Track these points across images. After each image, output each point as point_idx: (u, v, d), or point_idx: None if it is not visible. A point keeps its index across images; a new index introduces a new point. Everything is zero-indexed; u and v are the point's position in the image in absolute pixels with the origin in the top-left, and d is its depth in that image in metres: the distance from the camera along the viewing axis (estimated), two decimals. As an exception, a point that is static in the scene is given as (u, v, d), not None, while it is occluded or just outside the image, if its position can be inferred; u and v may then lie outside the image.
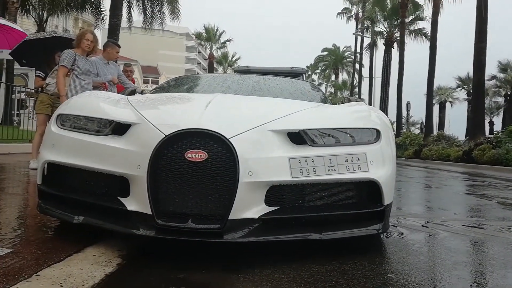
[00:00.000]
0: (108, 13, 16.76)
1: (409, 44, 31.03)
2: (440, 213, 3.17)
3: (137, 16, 20.41)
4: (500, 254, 1.96)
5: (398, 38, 27.56)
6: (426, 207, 3.74)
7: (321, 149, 1.76)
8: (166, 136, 1.61)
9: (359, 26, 36.14)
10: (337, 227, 1.75)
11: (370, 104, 28.12)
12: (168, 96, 2.62)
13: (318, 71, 51.62)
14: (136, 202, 1.65)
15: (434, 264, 1.76)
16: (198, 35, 41.55)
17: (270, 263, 1.63)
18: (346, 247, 1.89)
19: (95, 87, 4.75)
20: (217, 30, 40.88)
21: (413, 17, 28.11)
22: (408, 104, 27.59)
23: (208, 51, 42.50)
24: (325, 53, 48.45)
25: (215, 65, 42.82)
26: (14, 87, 11.60)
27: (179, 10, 19.83)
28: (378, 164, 1.82)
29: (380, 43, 31.31)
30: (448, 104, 42.27)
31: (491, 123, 40.21)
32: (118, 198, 1.71)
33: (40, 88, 5.47)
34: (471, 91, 21.99)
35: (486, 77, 17.86)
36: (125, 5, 18.21)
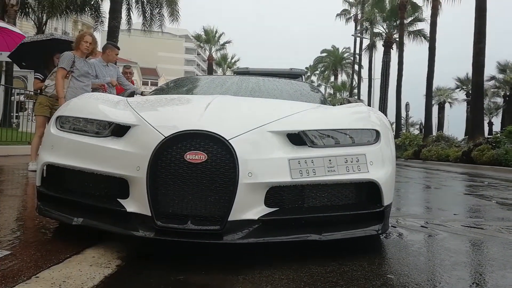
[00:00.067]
0: (107, 16, 16.80)
1: (408, 45, 31.04)
2: (440, 214, 3.17)
3: (137, 18, 20.47)
4: (499, 254, 1.96)
5: (397, 39, 27.64)
6: (425, 207, 3.74)
7: (321, 150, 1.76)
8: (165, 137, 1.61)
9: (358, 28, 36.19)
10: (337, 228, 1.75)
11: (369, 105, 28.13)
12: (167, 97, 2.62)
13: (317, 72, 51.70)
14: (136, 203, 1.65)
15: (434, 265, 1.76)
16: (197, 37, 41.61)
17: (270, 264, 1.63)
18: (345, 248, 1.88)
19: (94, 89, 4.75)
20: (216, 32, 40.96)
21: (412, 18, 28.19)
22: (407, 105, 27.65)
23: (207, 52, 42.54)
24: (324, 54, 48.53)
25: (214, 67, 42.86)
26: (13, 89, 11.59)
27: (178, 12, 19.85)
28: (378, 165, 1.82)
29: (379, 44, 31.43)
30: (447, 105, 42.35)
31: (490, 124, 40.27)
32: (118, 199, 1.71)
33: (39, 90, 5.47)
34: (470, 92, 22.06)
35: (485, 78, 17.87)
36: (124, 7, 18.24)
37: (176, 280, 1.43)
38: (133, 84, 5.99)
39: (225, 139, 1.61)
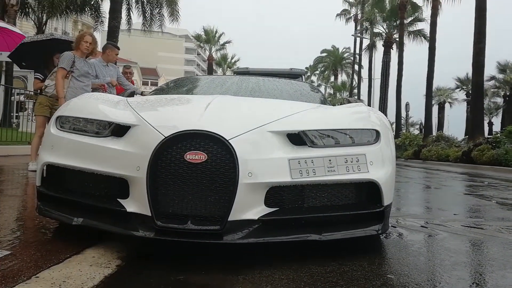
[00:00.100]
0: (107, 16, 16.79)
1: (408, 45, 31.05)
2: (440, 214, 3.17)
3: (137, 18, 20.47)
4: (499, 254, 1.96)
5: (397, 39, 27.64)
6: (425, 207, 3.74)
7: (321, 150, 1.76)
8: (165, 137, 1.61)
9: (358, 28, 36.19)
10: (337, 228, 1.75)
11: (369, 105, 28.14)
12: (167, 97, 2.62)
13: (317, 72, 51.70)
14: (136, 203, 1.65)
15: (434, 265, 1.76)
16: (197, 37, 41.61)
17: (270, 264, 1.63)
18: (345, 248, 1.88)
19: (94, 89, 4.75)
20: (216, 32, 40.96)
21: (412, 18, 28.20)
22: (407, 104, 27.65)
23: (207, 52, 42.55)
24: (324, 54, 48.53)
25: (214, 67, 42.86)
26: (13, 89, 11.59)
27: (178, 12, 19.85)
28: (378, 165, 1.82)
29: (379, 44, 31.43)
30: (447, 105, 42.35)
31: (490, 124, 40.27)
32: (118, 199, 1.71)
33: (39, 90, 5.47)
34: (470, 92, 22.07)
35: (485, 78, 17.87)
36: (124, 7, 18.24)
37: (176, 280, 1.43)
38: (133, 84, 5.99)
39: (225, 139, 1.61)
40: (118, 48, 5.37)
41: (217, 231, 1.57)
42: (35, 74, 5.72)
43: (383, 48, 29.26)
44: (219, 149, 1.59)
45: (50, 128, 2.03)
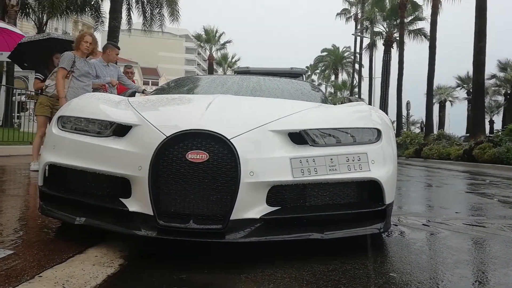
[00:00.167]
0: (107, 16, 16.79)
1: (408, 44, 31.06)
2: (441, 212, 3.17)
3: (137, 18, 20.47)
4: (501, 252, 1.96)
5: (398, 38, 27.60)
6: (427, 206, 3.74)
7: (322, 149, 1.76)
8: (167, 137, 1.61)
9: (359, 27, 36.16)
10: (339, 227, 1.75)
11: (370, 104, 28.12)
12: (168, 97, 2.62)
13: (318, 71, 51.67)
14: (138, 203, 1.65)
15: (436, 263, 1.76)
16: (198, 37, 41.60)
17: (272, 262, 1.63)
18: (348, 247, 1.89)
19: (95, 89, 4.76)
20: (216, 31, 40.95)
21: (412, 17, 28.16)
22: (408, 103, 27.61)
23: (207, 52, 42.54)
24: (324, 53, 48.49)
25: (215, 66, 42.85)
26: (15, 90, 11.60)
27: (178, 12, 19.85)
28: (379, 164, 1.82)
29: (380, 43, 31.39)
30: (448, 103, 42.29)
31: (491, 122, 40.23)
32: (120, 199, 1.71)
33: (40, 90, 5.48)
34: (471, 90, 22.00)
35: (486, 76, 17.85)
36: (124, 7, 18.25)
37: (178, 279, 1.44)
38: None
39: (227, 139, 1.61)
40: (119, 48, 5.37)
41: (219, 230, 1.57)
42: (36, 74, 5.73)
43: (383, 47, 29.24)
44: (220, 149, 1.59)
45: (52, 128, 2.03)
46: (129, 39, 23.79)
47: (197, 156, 1.57)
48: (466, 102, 38.71)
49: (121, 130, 1.82)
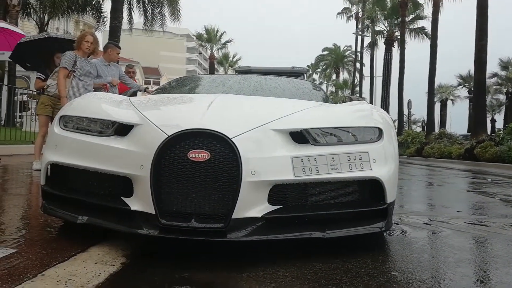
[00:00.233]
0: (109, 15, 16.81)
1: (409, 43, 30.93)
2: (443, 211, 3.17)
3: (138, 18, 20.46)
4: (503, 251, 1.96)
5: (399, 37, 27.56)
6: (428, 205, 3.74)
7: (324, 148, 1.77)
8: (168, 136, 1.61)
9: (360, 26, 36.11)
10: (340, 226, 1.75)
11: (371, 102, 28.08)
12: (170, 97, 2.62)
13: (319, 70, 51.62)
14: (140, 202, 1.65)
15: (438, 262, 1.76)
16: (199, 36, 41.60)
17: (274, 261, 1.64)
18: (349, 246, 1.89)
19: (96, 89, 4.77)
20: (217, 31, 40.93)
21: (413, 16, 28.11)
22: (409, 102, 27.55)
23: (209, 52, 42.56)
24: (325, 52, 48.43)
25: (216, 66, 42.86)
26: (17, 89, 11.63)
27: (179, 11, 19.85)
28: (381, 163, 1.82)
29: (381, 42, 31.31)
30: (449, 102, 42.16)
31: (493, 121, 40.13)
32: (122, 198, 1.72)
33: (41, 90, 5.50)
34: (473, 89, 21.95)
35: (487, 75, 17.82)
36: (125, 7, 18.25)
37: (180, 278, 1.44)
38: (136, 84, 6.00)
39: (228, 138, 1.61)
40: (119, 47, 5.38)
41: (221, 229, 1.58)
42: (37, 74, 5.74)
43: (384, 46, 29.18)
44: (222, 148, 1.60)
45: (54, 127, 2.04)
46: (130, 38, 23.84)
47: (198, 155, 1.57)
48: (467, 100, 38.64)
49: (123, 129, 1.83)
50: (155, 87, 4.97)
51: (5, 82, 15.73)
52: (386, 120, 2.07)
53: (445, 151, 15.90)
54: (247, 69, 8.72)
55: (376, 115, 2.08)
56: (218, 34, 40.91)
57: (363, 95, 35.00)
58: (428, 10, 26.08)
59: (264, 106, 2.25)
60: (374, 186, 1.82)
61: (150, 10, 19.99)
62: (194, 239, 1.58)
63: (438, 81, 30.65)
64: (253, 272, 1.51)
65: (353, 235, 1.75)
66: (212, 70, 41.06)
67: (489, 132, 15.85)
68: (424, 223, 2.57)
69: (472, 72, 18.05)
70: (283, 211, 1.69)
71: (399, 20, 26.99)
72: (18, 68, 14.85)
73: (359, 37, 35.76)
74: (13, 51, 6.25)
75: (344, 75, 49.36)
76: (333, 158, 1.74)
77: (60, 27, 31.63)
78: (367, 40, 34.56)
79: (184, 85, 3.42)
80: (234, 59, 45.26)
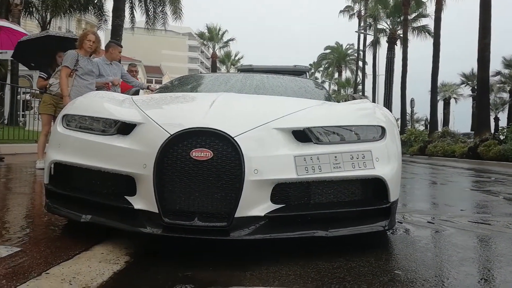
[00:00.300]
0: (111, 14, 16.83)
1: (412, 41, 30.90)
2: (446, 210, 3.16)
3: (140, 17, 20.50)
4: (507, 250, 1.96)
5: (401, 35, 27.46)
6: (431, 203, 3.73)
7: (326, 147, 1.76)
8: (171, 135, 1.61)
9: (362, 24, 35.99)
10: (343, 224, 1.75)
11: (374, 101, 27.99)
12: (172, 95, 2.63)
13: (321, 69, 51.50)
14: (143, 200, 1.66)
15: (441, 261, 1.75)
16: (201, 35, 41.60)
17: (277, 260, 1.64)
18: (352, 244, 1.89)
19: (98, 88, 4.78)
20: (219, 29, 40.92)
21: (416, 14, 28.00)
22: (412, 101, 27.49)
23: (210, 50, 42.56)
24: (328, 51, 48.32)
25: (218, 64, 42.87)
26: (19, 88, 11.67)
27: (181, 10, 19.88)
28: (384, 161, 1.82)
29: (383, 41, 31.21)
30: (452, 101, 41.96)
31: (496, 119, 39.91)
32: (125, 197, 1.72)
33: (44, 89, 5.52)
34: (476, 87, 21.88)
35: (490, 73, 17.75)
36: (127, 6, 18.28)
37: (183, 276, 1.44)
38: (138, 83, 6.01)
39: (231, 137, 1.61)
40: (121, 46, 5.39)
41: (224, 228, 1.58)
42: (39, 73, 5.76)
43: (387, 44, 29.10)
44: (224, 146, 1.60)
45: (57, 126, 2.05)
46: (132, 37, 23.85)
47: (201, 154, 1.57)
48: (470, 99, 38.41)
49: (125, 128, 1.83)
50: (157, 85, 4.96)
51: (8, 81, 15.78)
52: (389, 119, 2.06)
53: (448, 150, 15.86)
54: (249, 67, 8.72)
55: (379, 114, 2.07)
56: (220, 32, 40.92)
57: (365, 94, 34.91)
58: (430, 8, 26.01)
59: (267, 105, 2.25)
60: (377, 185, 1.81)
61: (152, 9, 20.02)
62: (197, 238, 1.59)
63: (441, 79, 30.68)
64: (256, 271, 1.51)
65: (356, 234, 1.75)
66: (214, 68, 41.06)
67: (492, 131, 15.78)
68: (428, 222, 2.56)
69: (476, 70, 17.98)
70: (286, 210, 1.69)
71: (402, 18, 26.88)
72: (21, 67, 14.87)
73: (362, 36, 35.65)
74: (14, 50, 6.27)
75: (346, 74, 49.33)
76: (336, 156, 1.73)
77: (62, 26, 31.69)
78: (370, 39, 34.44)
79: (186, 84, 3.42)
80: (236, 58, 45.25)
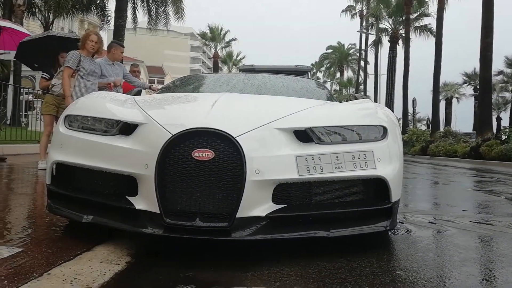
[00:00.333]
0: (113, 15, 16.87)
1: (414, 41, 30.66)
2: (448, 210, 3.15)
3: (142, 17, 20.52)
4: (509, 250, 1.95)
5: (403, 34, 27.41)
6: (433, 203, 3.72)
7: (328, 147, 1.76)
8: (173, 135, 1.62)
9: (364, 24, 35.94)
10: (345, 225, 1.75)
11: (375, 101, 27.92)
12: (174, 96, 2.63)
13: (323, 68, 51.51)
14: (144, 201, 1.66)
15: (443, 261, 1.75)
16: (203, 35, 41.64)
17: (278, 260, 1.64)
18: (354, 244, 1.88)
19: (101, 88, 4.78)
20: (221, 29, 40.94)
21: (418, 13, 27.94)
22: (414, 100, 27.46)
23: (212, 50, 42.56)
24: (329, 50, 48.30)
25: (220, 64, 42.89)
26: (22, 89, 11.71)
27: (183, 10, 19.88)
28: (385, 161, 1.82)
29: (385, 40, 31.18)
30: (454, 100, 41.88)
31: (499, 119, 39.77)
32: (126, 197, 1.73)
33: (46, 89, 5.53)
34: (478, 87, 21.81)
35: (493, 73, 17.67)
36: (130, 6, 18.31)
37: (185, 277, 1.44)
38: (140, 83, 6.02)
39: (232, 137, 1.61)
40: (123, 46, 5.39)
41: (225, 228, 1.58)
42: (42, 73, 5.78)
43: (389, 44, 29.03)
44: (226, 147, 1.60)
45: (59, 127, 2.05)
46: (135, 37, 23.88)
47: (203, 154, 1.57)
48: (473, 98, 38.33)
49: (127, 128, 1.83)
50: (160, 86, 4.97)
51: (11, 81, 15.83)
52: (391, 119, 2.06)
53: (450, 150, 15.81)
54: (251, 67, 8.73)
55: (381, 114, 2.07)
56: (222, 32, 40.93)
57: (367, 94, 34.85)
58: (433, 8, 26.00)
59: (268, 105, 2.25)
60: (378, 185, 1.81)
61: (154, 9, 20.04)
62: (198, 238, 1.59)
63: (443, 79, 30.48)
64: (257, 271, 1.51)
65: (358, 234, 1.75)
66: (216, 68, 41.09)
67: (494, 130, 15.74)
68: (429, 222, 2.55)
69: (478, 70, 17.88)
70: (287, 210, 1.69)
71: (404, 17, 26.83)
72: (24, 67, 14.94)
73: (363, 35, 35.63)
74: (17, 51, 6.29)
75: (348, 74, 49.29)
76: (337, 157, 1.73)
77: (65, 26, 31.79)
78: (372, 38, 34.41)
79: (188, 84, 3.42)
80: (238, 58, 45.26)
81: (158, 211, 1.59)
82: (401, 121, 25.83)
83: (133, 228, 1.66)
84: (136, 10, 19.80)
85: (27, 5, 15.73)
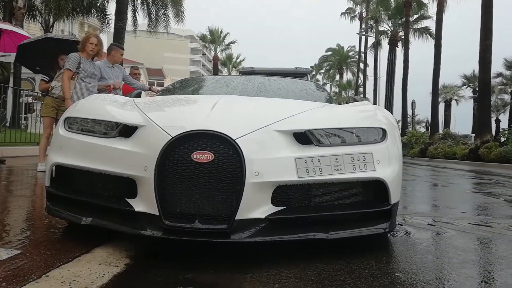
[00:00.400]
0: (113, 17, 16.90)
1: (413, 43, 30.78)
2: (447, 212, 3.15)
3: (142, 20, 20.57)
4: (508, 252, 1.95)
5: (403, 37, 27.47)
6: (432, 205, 3.72)
7: (327, 149, 1.76)
8: (172, 137, 1.62)
9: (363, 26, 36.06)
10: (344, 227, 1.75)
11: (375, 103, 27.99)
12: (174, 98, 2.63)
13: (323, 71, 51.61)
14: (144, 203, 1.66)
15: (442, 263, 1.75)
16: (203, 37, 41.71)
17: (277, 262, 1.64)
18: (353, 246, 1.88)
19: (100, 90, 4.79)
20: (221, 32, 41.04)
21: (418, 16, 28.01)
22: (413, 102, 27.47)
23: (212, 53, 42.64)
24: (329, 53, 48.41)
25: (219, 67, 42.96)
26: (22, 91, 11.72)
27: (183, 13, 19.93)
28: (385, 163, 1.82)
29: (385, 42, 31.22)
30: (453, 102, 41.94)
31: (498, 121, 39.82)
32: (126, 199, 1.72)
33: (46, 92, 5.54)
34: (477, 89, 21.86)
35: (492, 75, 17.72)
36: (130, 9, 18.36)
37: (184, 279, 1.44)
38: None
39: (232, 139, 1.61)
40: (123, 49, 5.40)
41: (225, 230, 1.58)
42: (41, 76, 5.79)
43: (388, 46, 29.09)
44: (225, 149, 1.60)
45: (59, 129, 2.05)
46: (135, 40, 23.92)
47: (202, 156, 1.58)
48: (472, 101, 38.39)
49: (127, 131, 1.84)
50: (159, 88, 4.98)
51: (11, 84, 15.84)
52: (390, 121, 2.06)
53: (449, 152, 15.84)
54: (251, 70, 8.75)
55: (380, 116, 2.07)
56: (222, 35, 41.02)
57: (367, 96, 34.92)
58: (432, 10, 26.05)
59: (268, 107, 2.25)
60: (378, 187, 1.81)
61: (154, 12, 20.10)
62: (197, 240, 1.59)
63: (442, 81, 30.63)
64: (256, 273, 1.51)
65: (357, 236, 1.75)
66: (215, 71, 41.15)
67: (493, 133, 15.76)
68: (428, 224, 2.56)
69: (477, 72, 17.94)
70: (287, 212, 1.69)
71: (403, 20, 26.91)
72: (24, 70, 14.94)
73: (363, 38, 35.70)
74: (16, 54, 6.31)
75: (347, 76, 49.37)
76: (336, 159, 1.73)
77: (65, 29, 31.84)
78: (371, 40, 34.49)
79: (188, 86, 3.43)
80: (238, 60, 45.33)
81: (158, 213, 1.59)
82: (400, 123, 25.87)
83: (132, 230, 1.66)
84: (136, 13, 19.87)
85: (27, 7, 15.77)
